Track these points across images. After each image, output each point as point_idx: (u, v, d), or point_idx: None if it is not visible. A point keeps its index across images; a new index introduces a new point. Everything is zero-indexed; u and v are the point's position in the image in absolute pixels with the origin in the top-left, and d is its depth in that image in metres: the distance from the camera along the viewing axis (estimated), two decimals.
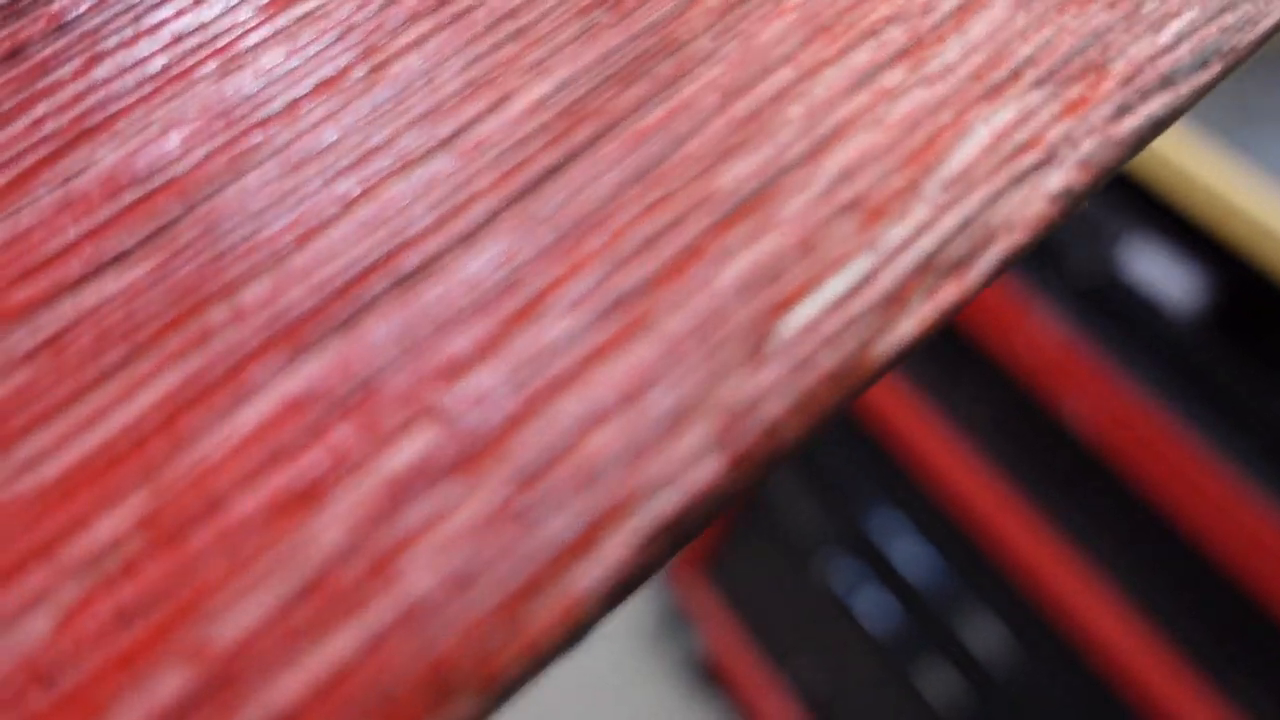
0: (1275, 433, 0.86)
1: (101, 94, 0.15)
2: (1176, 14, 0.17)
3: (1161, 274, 0.91)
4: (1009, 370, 1.03)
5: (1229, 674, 0.91)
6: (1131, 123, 0.16)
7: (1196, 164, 0.86)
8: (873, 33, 0.16)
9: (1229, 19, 0.17)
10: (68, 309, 0.14)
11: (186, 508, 0.13)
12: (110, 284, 0.14)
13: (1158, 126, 0.16)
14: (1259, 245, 0.82)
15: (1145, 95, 0.16)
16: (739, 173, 0.15)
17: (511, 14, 0.16)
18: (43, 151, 0.15)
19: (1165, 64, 0.16)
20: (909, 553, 1.15)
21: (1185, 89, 0.16)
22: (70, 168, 0.15)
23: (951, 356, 1.08)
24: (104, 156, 0.15)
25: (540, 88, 0.16)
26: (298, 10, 0.16)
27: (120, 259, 0.14)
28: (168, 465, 0.13)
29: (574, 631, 0.13)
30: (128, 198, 0.15)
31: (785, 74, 0.16)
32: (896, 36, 0.16)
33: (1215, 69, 0.16)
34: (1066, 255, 0.98)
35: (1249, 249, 0.85)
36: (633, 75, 0.16)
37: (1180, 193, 0.87)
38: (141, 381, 0.14)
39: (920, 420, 1.10)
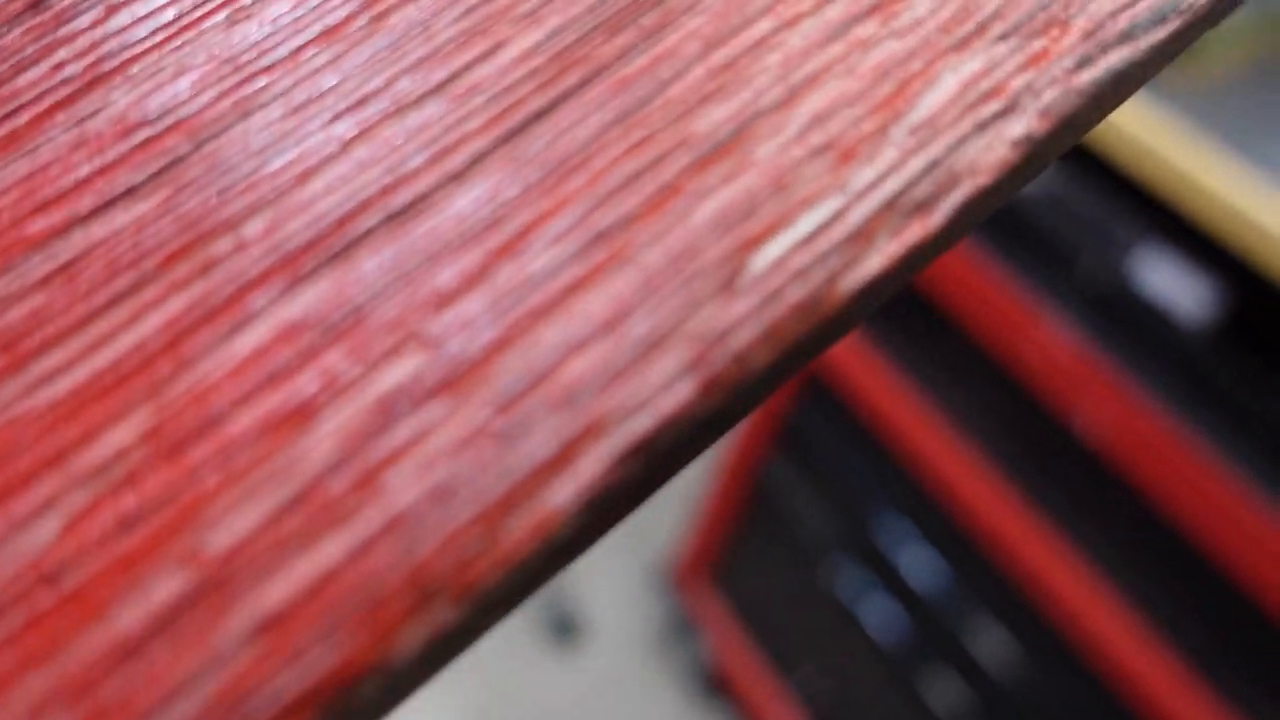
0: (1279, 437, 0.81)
1: (116, 41, 0.15)
2: None
3: (1172, 283, 0.87)
4: (1018, 378, 0.97)
5: (1236, 682, 0.85)
6: (1091, 74, 0.15)
7: (1207, 173, 0.82)
8: None
9: None
10: (79, 239, 0.14)
11: (187, 423, 0.13)
12: (120, 216, 0.14)
13: (1118, 80, 0.15)
14: (1270, 254, 0.78)
15: (1105, 49, 0.15)
16: (717, 116, 0.15)
17: None
18: (61, 94, 0.14)
19: (1124, 19, 0.15)
20: (916, 561, 1.09)
21: (1144, 44, 0.15)
22: (86, 109, 0.14)
23: (961, 363, 1.03)
24: (117, 99, 0.14)
25: (531, 36, 0.15)
26: None
27: (130, 193, 0.14)
28: (171, 384, 0.13)
29: (550, 546, 0.12)
30: (139, 136, 0.14)
31: (764, 25, 0.15)
32: None
33: (1173, 25, 0.16)
34: (1078, 264, 0.93)
35: (1259, 258, 0.80)
36: (619, 25, 0.15)
37: (1191, 201, 0.83)
38: (148, 306, 0.13)
39: (927, 427, 1.05)
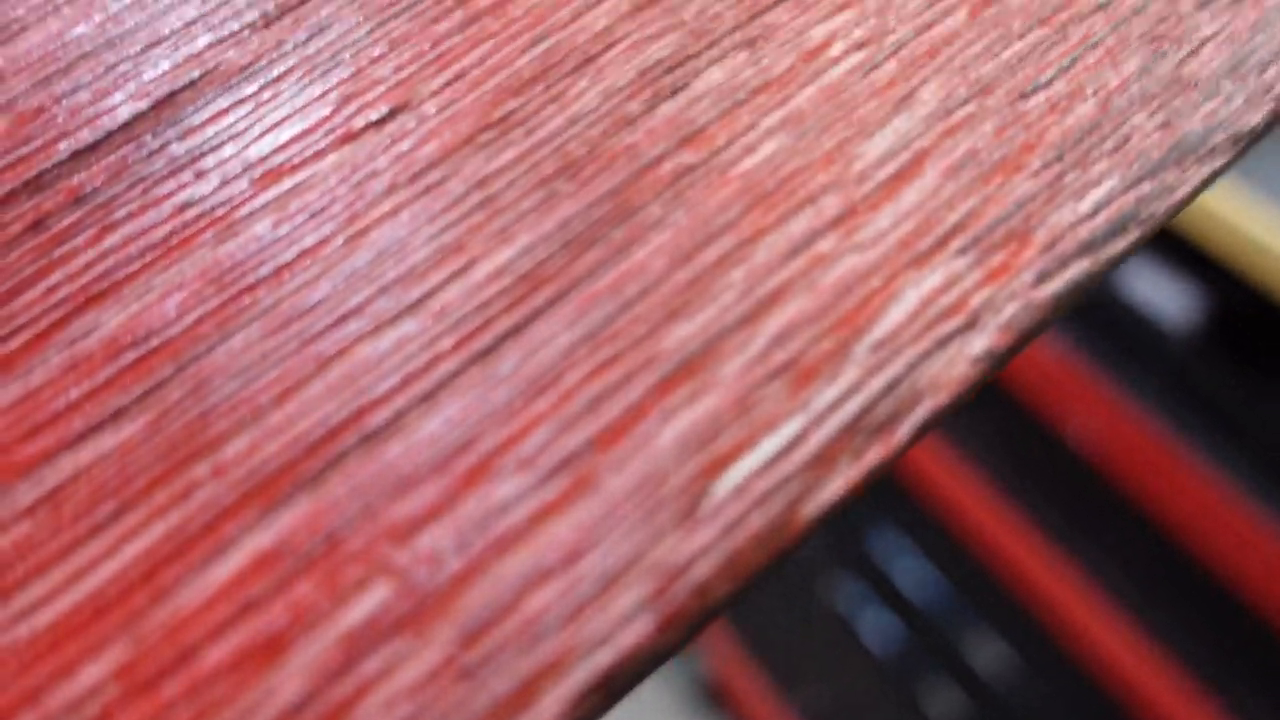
0: (1273, 448, 0.79)
1: (110, 261, 0.15)
2: (1096, 183, 0.16)
3: (1159, 292, 0.86)
4: (1009, 389, 0.97)
5: (1232, 689, 0.84)
6: (1051, 288, 0.15)
7: None
8: (810, 200, 0.16)
9: (1146, 188, 0.16)
10: (66, 465, 0.14)
11: (161, 658, 0.13)
12: (107, 441, 0.14)
13: (1075, 291, 0.15)
14: (1255, 263, 0.77)
15: (1065, 262, 0.15)
16: (682, 334, 0.15)
17: (481, 183, 0.16)
18: (55, 316, 0.15)
19: (1084, 231, 0.16)
20: (912, 573, 1.08)
21: (1103, 255, 0.15)
22: (78, 331, 0.15)
23: None
24: (108, 320, 0.15)
25: (503, 254, 0.15)
26: (288, 182, 0.16)
27: (116, 416, 0.14)
28: (147, 617, 0.13)
29: None
30: (126, 359, 0.14)
31: (728, 240, 0.15)
32: (832, 204, 0.16)
33: (1132, 236, 0.16)
34: None
35: (1245, 267, 0.79)
36: (588, 241, 0.15)
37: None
38: (128, 535, 0.13)
39: (922, 441, 1.05)
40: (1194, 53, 0.17)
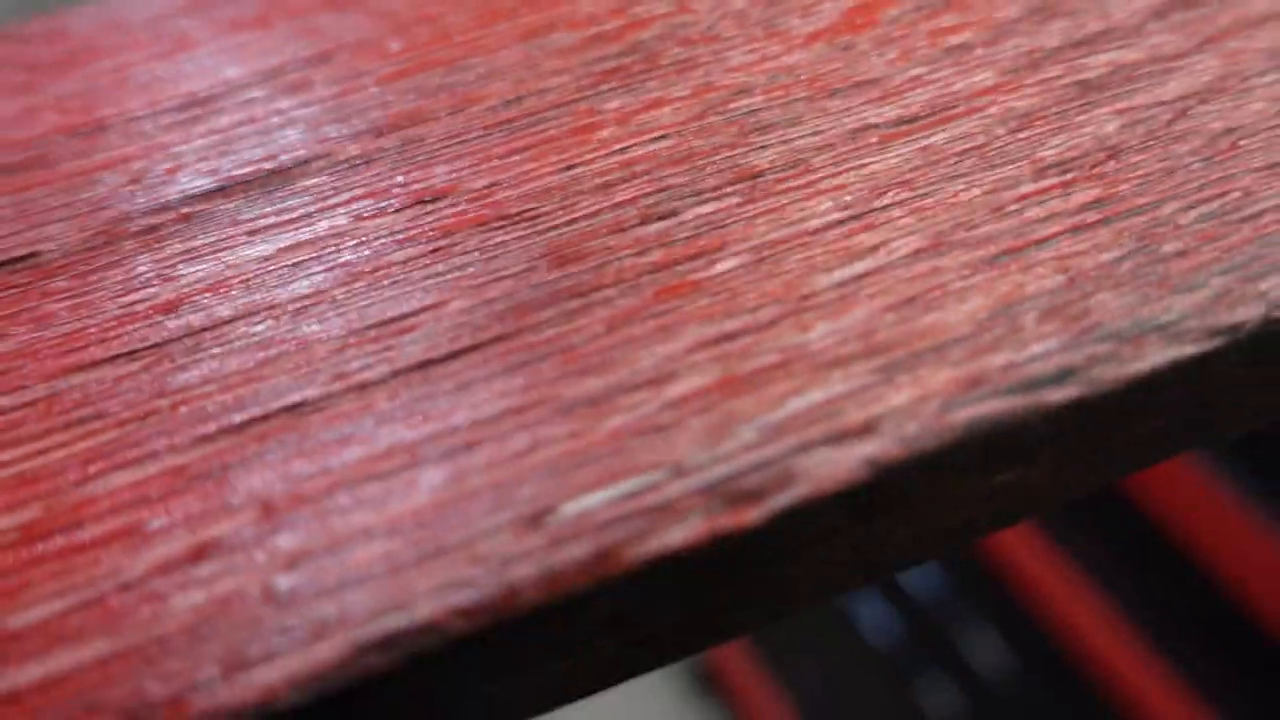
0: (1274, 449, 0.82)
1: (178, 267, 0.19)
2: (1041, 338, 0.16)
3: None
4: None
5: (1226, 693, 0.84)
6: (962, 415, 0.15)
7: None
8: (750, 309, 0.17)
9: (1097, 349, 0.16)
10: (78, 379, 0.17)
11: (60, 523, 0.15)
12: (112, 372, 0.17)
13: (996, 425, 0.15)
14: None
15: (984, 397, 0.16)
16: (589, 386, 0.16)
17: (480, 251, 0.19)
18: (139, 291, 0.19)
19: (1012, 374, 0.16)
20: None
21: (1034, 400, 0.16)
22: (146, 294, 0.19)
23: None
24: (165, 293, 0.19)
25: (471, 301, 0.18)
26: (339, 231, 0.20)
27: (130, 355, 0.18)
28: (64, 492, 0.16)
29: (266, 714, 0.13)
30: (160, 320, 0.18)
31: (663, 321, 0.17)
32: (770, 313, 0.17)
33: (1071, 391, 0.16)
34: None
35: None
36: (543, 304, 0.18)
37: None
38: (84, 436, 0.16)
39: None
40: (1183, 254, 0.17)
